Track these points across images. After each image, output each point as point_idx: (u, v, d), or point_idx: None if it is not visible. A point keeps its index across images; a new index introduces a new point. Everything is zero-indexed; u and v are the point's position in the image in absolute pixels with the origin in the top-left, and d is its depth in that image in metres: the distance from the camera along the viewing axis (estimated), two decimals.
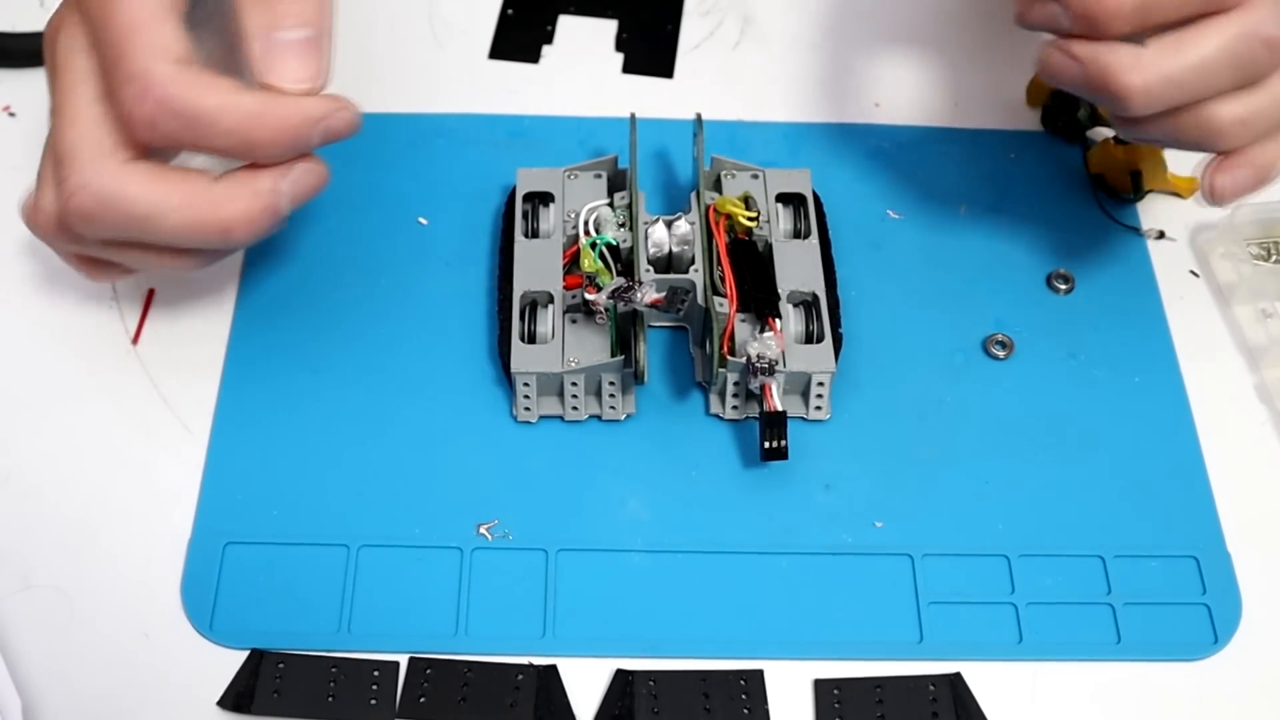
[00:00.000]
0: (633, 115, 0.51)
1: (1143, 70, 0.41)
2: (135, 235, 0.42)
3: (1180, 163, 0.55)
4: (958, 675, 0.44)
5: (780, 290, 0.48)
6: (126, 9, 0.40)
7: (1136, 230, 0.54)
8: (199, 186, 0.41)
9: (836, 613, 0.45)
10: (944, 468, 0.48)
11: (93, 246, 0.43)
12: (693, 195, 0.50)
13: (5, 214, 0.53)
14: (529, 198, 0.51)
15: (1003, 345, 0.51)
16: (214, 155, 0.42)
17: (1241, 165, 0.44)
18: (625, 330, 0.48)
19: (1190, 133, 0.43)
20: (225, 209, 0.41)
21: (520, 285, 0.48)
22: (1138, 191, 0.54)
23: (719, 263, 0.48)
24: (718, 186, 0.51)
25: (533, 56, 0.59)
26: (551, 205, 0.51)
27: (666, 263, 0.49)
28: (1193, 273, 0.53)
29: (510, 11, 0.60)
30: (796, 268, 0.49)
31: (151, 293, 0.51)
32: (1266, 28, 0.42)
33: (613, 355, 0.47)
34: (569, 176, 0.51)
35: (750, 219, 0.50)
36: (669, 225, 0.49)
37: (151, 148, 0.41)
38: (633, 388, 0.49)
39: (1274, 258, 0.53)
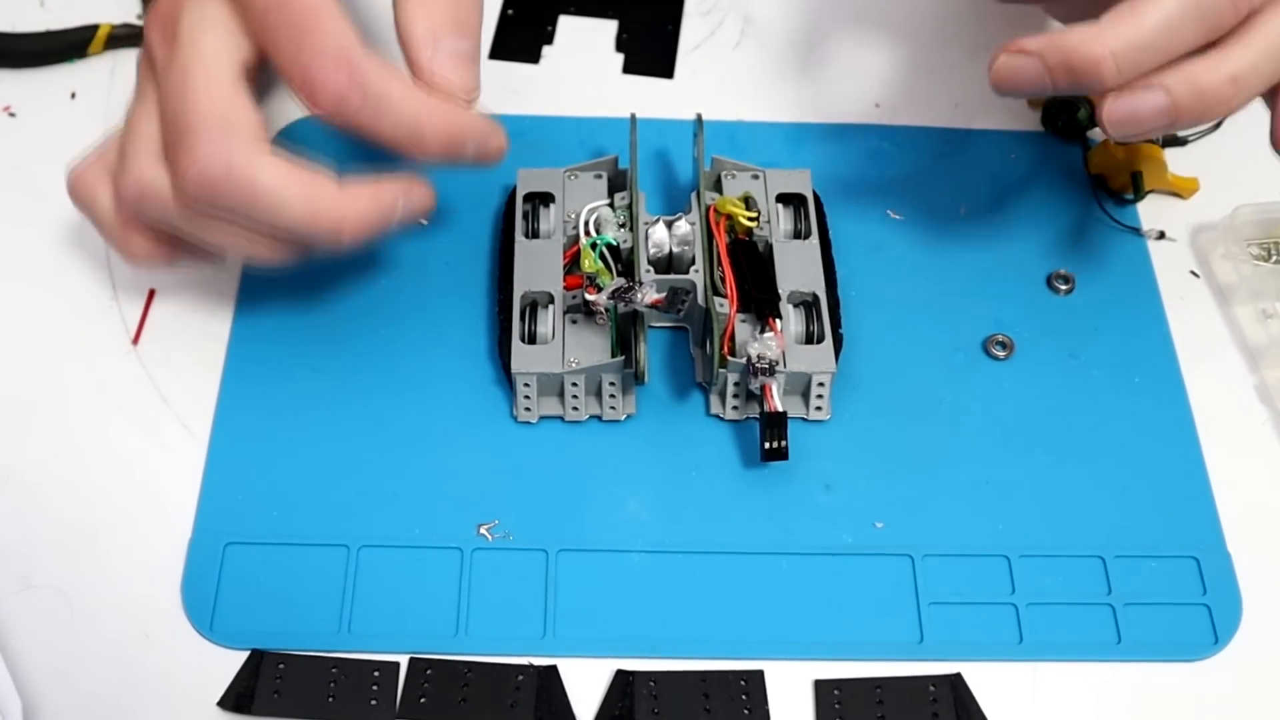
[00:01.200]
0: (633, 115, 0.51)
1: (1104, 40, 0.40)
2: (248, 215, 0.42)
3: (1180, 163, 0.55)
4: (958, 675, 0.44)
5: (780, 290, 0.48)
6: None
7: (1136, 230, 0.54)
8: (324, 181, 0.43)
9: (836, 613, 0.45)
10: (944, 468, 0.48)
11: (185, 221, 0.43)
12: (693, 195, 0.50)
13: (5, 214, 0.53)
14: (529, 198, 0.51)
15: (1003, 345, 0.51)
16: (375, 142, 0.43)
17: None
18: (625, 331, 0.48)
19: (1186, 103, 0.41)
20: (346, 207, 0.43)
21: (520, 285, 0.48)
22: (1138, 191, 0.54)
23: (719, 263, 0.48)
24: (718, 187, 0.51)
25: (533, 57, 0.59)
26: (552, 205, 0.51)
27: (667, 263, 0.49)
28: (1193, 273, 0.53)
29: (510, 11, 0.60)
30: (797, 268, 0.49)
31: (152, 293, 0.51)
32: None
33: (613, 356, 0.47)
34: (569, 177, 0.51)
35: (750, 219, 0.50)
36: (669, 225, 0.49)
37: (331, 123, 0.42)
38: (633, 388, 0.49)
39: (1274, 258, 0.53)
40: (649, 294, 0.46)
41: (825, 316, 0.48)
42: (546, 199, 0.51)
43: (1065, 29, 0.41)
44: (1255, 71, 0.42)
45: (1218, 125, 0.57)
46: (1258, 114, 0.59)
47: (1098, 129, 0.55)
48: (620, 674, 0.43)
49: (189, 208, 0.43)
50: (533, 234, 0.50)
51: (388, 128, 0.42)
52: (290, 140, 0.45)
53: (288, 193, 0.42)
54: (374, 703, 0.43)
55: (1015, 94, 0.43)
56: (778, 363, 0.46)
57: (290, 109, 0.51)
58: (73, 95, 0.57)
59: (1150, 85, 0.41)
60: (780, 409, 0.46)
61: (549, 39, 0.60)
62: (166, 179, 0.43)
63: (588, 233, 0.49)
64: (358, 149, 0.43)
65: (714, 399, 0.49)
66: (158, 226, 0.45)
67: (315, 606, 0.44)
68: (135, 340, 0.50)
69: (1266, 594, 0.46)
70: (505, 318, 0.49)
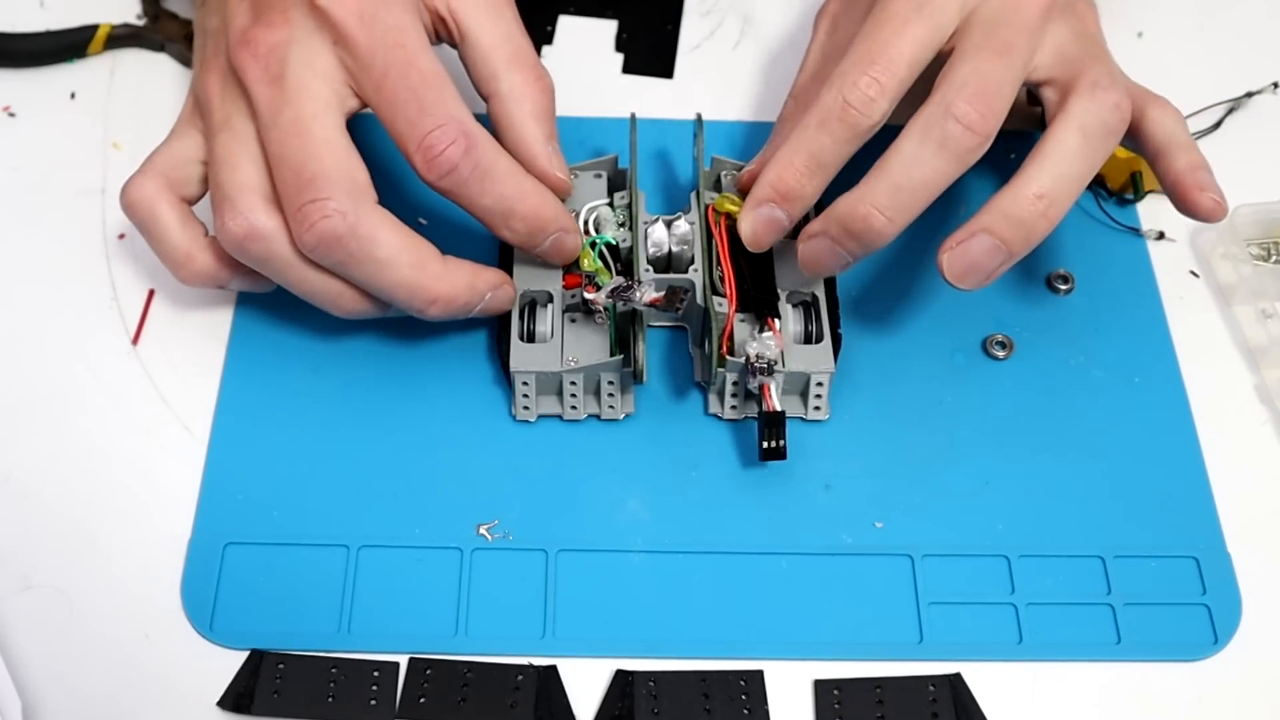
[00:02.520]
0: (633, 115, 0.51)
1: (864, 198, 0.44)
2: (357, 272, 0.44)
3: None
4: (958, 675, 0.44)
5: (779, 290, 0.48)
6: (429, 60, 0.44)
7: (1136, 230, 0.54)
8: (430, 254, 0.45)
9: (836, 613, 0.45)
10: (944, 468, 0.48)
11: (287, 268, 0.45)
12: (692, 195, 0.50)
13: (5, 214, 0.53)
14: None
15: (1003, 345, 0.50)
16: (469, 211, 0.45)
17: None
18: (624, 330, 0.48)
19: (1009, 234, 0.44)
20: (445, 284, 0.45)
21: (520, 284, 0.48)
22: (1138, 192, 0.54)
23: (718, 262, 0.48)
24: (718, 186, 0.51)
25: None
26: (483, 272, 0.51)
27: (666, 262, 0.49)
28: (1193, 273, 0.53)
29: None
30: (796, 268, 0.49)
31: (151, 293, 0.51)
32: (952, 103, 0.43)
33: (612, 355, 0.47)
34: (569, 176, 0.51)
35: None
36: (669, 225, 0.49)
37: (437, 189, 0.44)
38: (632, 387, 0.49)
39: (1274, 258, 0.53)
40: (648, 293, 0.46)
41: (824, 316, 0.48)
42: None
43: (834, 204, 0.45)
44: (1059, 180, 0.44)
45: (1218, 125, 0.57)
46: (1259, 114, 0.59)
47: None
48: (620, 674, 0.43)
49: (301, 257, 0.44)
50: None
51: (488, 201, 0.45)
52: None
53: (400, 259, 0.44)
54: (374, 703, 0.43)
55: (828, 273, 0.47)
56: (776, 362, 0.46)
57: None
58: (73, 95, 0.57)
59: (972, 233, 0.44)
60: (779, 408, 0.46)
61: (549, 39, 0.60)
62: (279, 225, 0.44)
63: (587, 232, 0.49)
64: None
65: (713, 398, 0.49)
66: (248, 264, 0.45)
67: (315, 606, 0.44)
68: (135, 340, 0.50)
69: (1266, 594, 0.46)
70: (504, 316, 0.49)
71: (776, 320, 0.47)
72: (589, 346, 0.47)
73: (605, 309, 0.47)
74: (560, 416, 0.48)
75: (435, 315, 0.45)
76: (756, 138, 0.56)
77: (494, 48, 0.47)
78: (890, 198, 0.44)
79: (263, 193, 0.44)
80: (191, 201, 0.47)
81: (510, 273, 0.49)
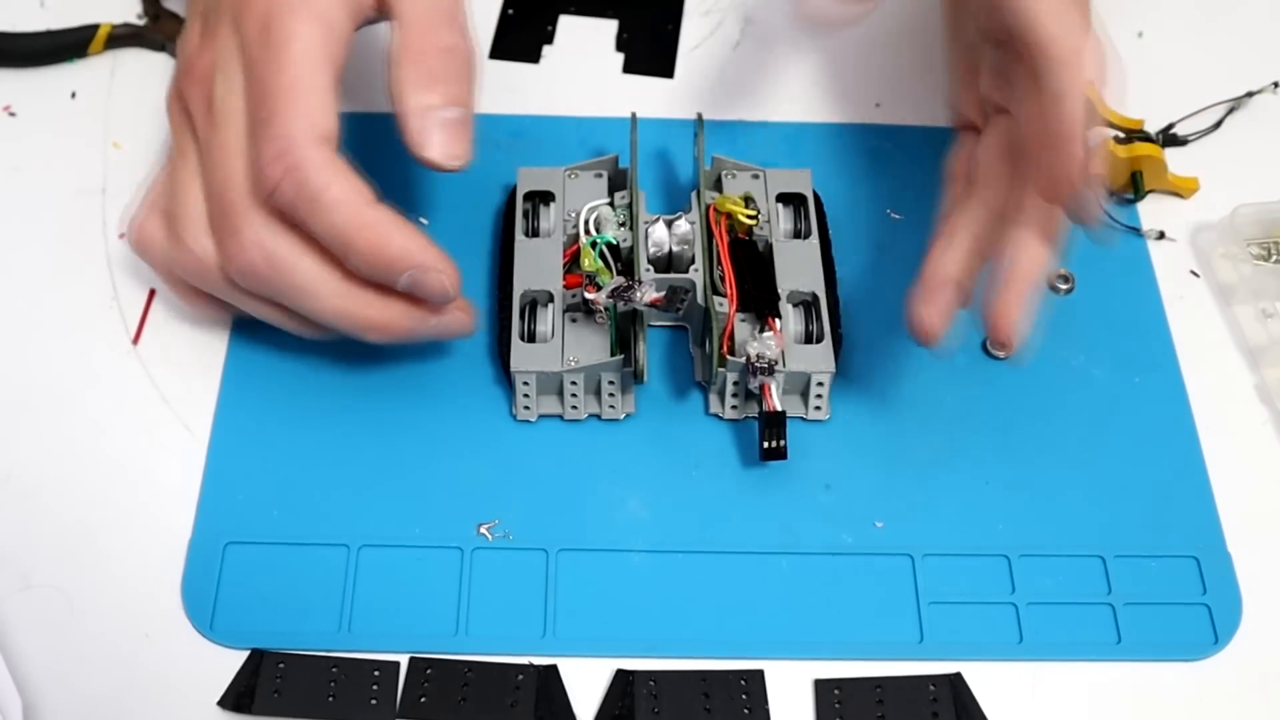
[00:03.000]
0: (633, 115, 0.51)
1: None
2: (284, 300, 0.44)
3: (1180, 163, 0.55)
4: (958, 675, 0.44)
5: (780, 290, 0.48)
6: (290, 68, 0.42)
7: (1136, 230, 0.54)
8: (355, 281, 0.44)
9: (836, 613, 0.45)
10: (944, 468, 0.48)
11: (230, 296, 0.46)
12: (693, 195, 0.50)
13: (5, 214, 0.53)
14: (529, 197, 0.51)
15: (1003, 345, 0.50)
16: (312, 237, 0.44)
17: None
18: (625, 329, 0.48)
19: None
20: (374, 312, 0.44)
21: (520, 284, 0.48)
22: (1137, 191, 0.54)
23: (719, 262, 0.48)
24: (718, 186, 0.51)
25: (533, 56, 0.59)
26: (552, 204, 0.51)
27: (666, 262, 0.49)
28: (1193, 273, 0.53)
29: (510, 11, 0.60)
30: (796, 268, 0.49)
31: (152, 293, 0.51)
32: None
33: (612, 354, 0.47)
34: (569, 176, 0.51)
35: (750, 217, 0.50)
36: (669, 225, 0.49)
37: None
38: (632, 387, 0.49)
39: (1274, 258, 0.53)
40: (648, 293, 0.46)
41: (825, 316, 0.48)
42: (547, 198, 0.51)
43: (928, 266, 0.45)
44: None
45: (1218, 125, 0.57)
46: (1259, 114, 0.59)
47: (1098, 129, 0.55)
48: (620, 673, 0.43)
49: (233, 287, 0.44)
50: (533, 233, 0.50)
51: (320, 229, 0.42)
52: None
53: (324, 288, 0.44)
54: (374, 702, 0.43)
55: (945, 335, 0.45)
56: (777, 362, 0.46)
57: None
58: (73, 95, 0.57)
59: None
60: (779, 408, 0.46)
61: (549, 39, 0.60)
62: (212, 256, 0.44)
63: (588, 231, 0.49)
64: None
65: (713, 398, 0.49)
66: (205, 289, 0.46)
67: (315, 606, 0.44)
68: (135, 340, 0.50)
69: (1266, 594, 0.46)
70: (505, 316, 0.49)
71: (777, 320, 0.47)
72: (589, 346, 0.47)
73: (606, 309, 0.47)
74: (561, 416, 0.48)
75: (376, 341, 0.45)
76: (756, 137, 0.56)
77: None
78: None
79: (205, 224, 0.44)
80: None
81: (511, 270, 0.49)
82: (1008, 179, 0.46)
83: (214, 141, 0.44)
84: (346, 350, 0.50)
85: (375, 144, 0.47)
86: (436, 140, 0.43)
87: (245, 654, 0.43)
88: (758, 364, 0.46)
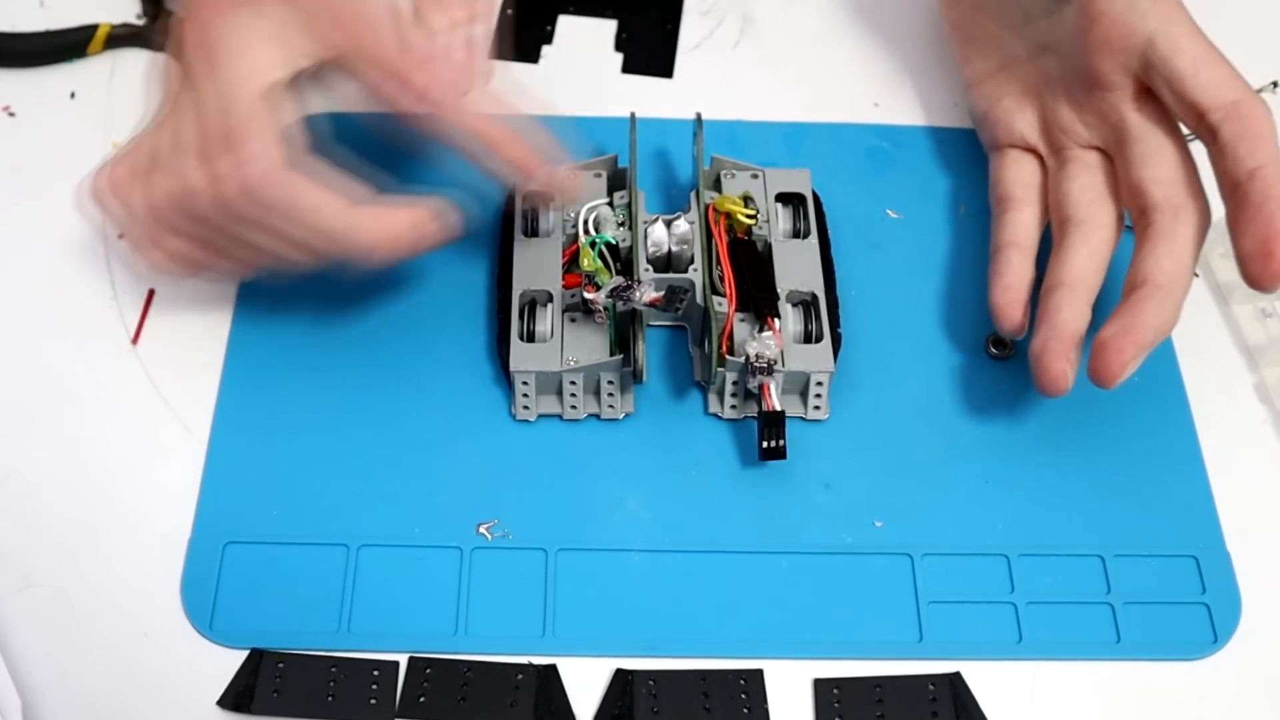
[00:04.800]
0: (633, 115, 0.51)
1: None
2: (285, 223, 0.43)
3: None
4: (957, 675, 0.44)
5: (779, 290, 0.48)
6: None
7: None
8: (363, 196, 0.44)
9: (836, 612, 0.45)
10: (944, 468, 0.48)
11: (221, 225, 0.44)
12: (692, 195, 0.50)
13: (5, 214, 0.53)
14: (529, 197, 0.51)
15: (1003, 345, 0.50)
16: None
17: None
18: (624, 329, 0.48)
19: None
20: (381, 227, 0.44)
21: (520, 284, 0.48)
22: None
23: (718, 262, 0.48)
24: (717, 186, 0.51)
25: (533, 56, 0.59)
26: (551, 204, 0.51)
27: (666, 262, 0.49)
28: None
29: (510, 11, 0.61)
30: (796, 267, 0.49)
31: (151, 293, 0.51)
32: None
33: (611, 354, 0.47)
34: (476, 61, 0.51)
35: (749, 217, 0.50)
36: (668, 225, 0.49)
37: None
38: (631, 387, 0.49)
39: None
40: (648, 293, 0.46)
41: (824, 316, 0.48)
42: (546, 198, 0.51)
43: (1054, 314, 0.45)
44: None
45: None
46: None
47: None
48: (620, 673, 0.43)
49: (228, 212, 0.43)
50: (532, 232, 0.50)
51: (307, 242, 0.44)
52: (320, 131, 0.45)
53: (326, 206, 0.43)
54: (373, 702, 0.43)
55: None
56: (776, 362, 0.46)
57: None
58: (72, 95, 0.57)
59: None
60: (778, 408, 0.46)
61: (549, 39, 0.60)
62: (208, 181, 0.43)
63: (587, 231, 0.49)
64: (382, 151, 0.44)
65: (712, 398, 0.49)
66: (192, 230, 0.45)
67: (315, 606, 0.44)
68: (135, 340, 0.50)
69: (1266, 593, 0.46)
70: (504, 316, 0.49)
71: (776, 320, 0.47)
72: (589, 346, 0.47)
73: (605, 309, 0.47)
74: (560, 416, 0.48)
75: (381, 260, 0.45)
76: (756, 137, 0.56)
77: None
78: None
79: (196, 152, 0.43)
80: None
81: (510, 270, 0.49)
82: (1116, 222, 0.47)
83: (215, 74, 0.43)
84: (346, 350, 0.50)
85: (377, 144, 0.47)
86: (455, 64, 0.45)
87: (245, 654, 0.43)
88: (757, 364, 0.46)
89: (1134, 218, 0.46)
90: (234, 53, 0.43)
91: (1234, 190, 0.43)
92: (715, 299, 0.47)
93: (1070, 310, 0.45)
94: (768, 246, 0.50)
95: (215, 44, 0.43)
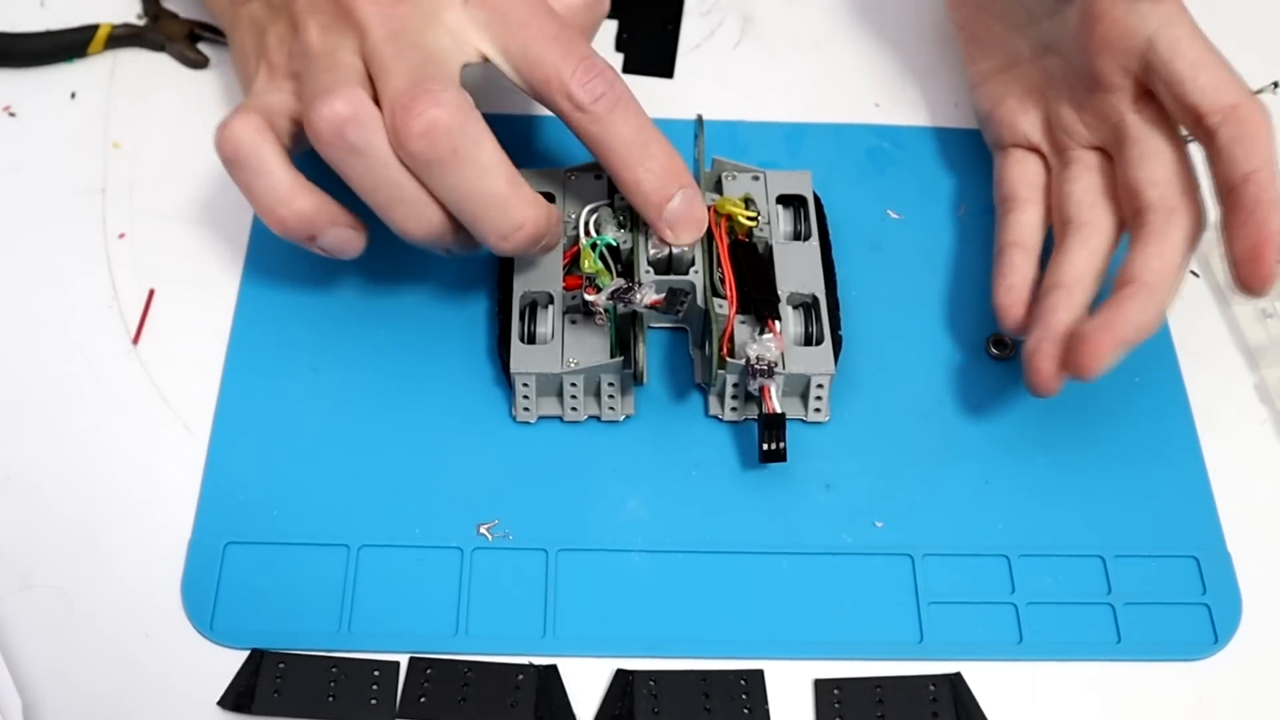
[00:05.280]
0: None
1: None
2: (451, 176, 0.43)
3: None
4: (958, 675, 0.44)
5: (780, 292, 0.48)
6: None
7: None
8: (521, 179, 0.44)
9: (836, 613, 0.45)
10: (944, 468, 0.48)
11: (380, 165, 0.43)
12: None
13: (5, 214, 0.53)
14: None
15: (1003, 345, 0.51)
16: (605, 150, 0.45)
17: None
18: (625, 331, 0.48)
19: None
20: (532, 210, 0.44)
21: (520, 286, 0.48)
22: None
23: (719, 264, 0.48)
24: (718, 188, 0.51)
25: None
26: (552, 205, 0.51)
27: (666, 264, 0.49)
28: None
29: None
30: (796, 269, 0.49)
31: (151, 293, 0.51)
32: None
33: (612, 356, 0.47)
34: (569, 177, 0.51)
35: (750, 219, 0.50)
36: None
37: None
38: (632, 389, 0.49)
39: None
40: (648, 295, 0.46)
41: (825, 318, 0.48)
42: (547, 199, 0.51)
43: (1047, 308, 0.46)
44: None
45: None
46: None
47: None
48: (620, 673, 0.43)
49: (403, 151, 0.42)
50: None
51: (628, 131, 0.45)
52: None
53: (500, 170, 0.43)
54: (374, 702, 0.43)
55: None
56: (776, 364, 0.46)
57: None
58: (73, 95, 0.57)
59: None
60: (779, 410, 0.46)
61: None
62: (379, 116, 0.42)
63: (587, 233, 0.49)
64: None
65: (713, 400, 0.49)
66: (338, 169, 0.43)
67: (315, 606, 0.44)
68: (135, 340, 0.50)
69: (1266, 594, 0.46)
70: (505, 318, 0.49)
71: (777, 322, 0.47)
72: (589, 348, 0.47)
73: (605, 311, 0.47)
74: (560, 418, 0.48)
75: (514, 244, 0.44)
76: (756, 138, 0.56)
77: None
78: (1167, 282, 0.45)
79: (365, 87, 0.43)
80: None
81: (511, 272, 0.49)
82: (1115, 224, 0.47)
83: (407, 32, 0.43)
84: (347, 350, 0.50)
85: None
86: (684, 228, 0.46)
87: (245, 654, 0.43)
88: (757, 366, 0.46)
89: (1129, 218, 0.46)
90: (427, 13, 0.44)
91: (1228, 193, 0.43)
92: (716, 301, 0.47)
93: (1066, 311, 0.45)
94: (768, 249, 0.50)
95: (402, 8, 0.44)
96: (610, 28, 0.60)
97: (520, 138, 0.56)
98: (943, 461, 0.48)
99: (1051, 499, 0.47)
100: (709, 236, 0.49)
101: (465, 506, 0.46)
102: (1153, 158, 0.46)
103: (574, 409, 0.48)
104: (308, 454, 0.47)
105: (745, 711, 0.43)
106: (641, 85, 0.58)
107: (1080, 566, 0.46)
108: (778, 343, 0.47)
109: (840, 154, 0.56)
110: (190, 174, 0.54)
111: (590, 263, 0.47)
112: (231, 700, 0.43)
